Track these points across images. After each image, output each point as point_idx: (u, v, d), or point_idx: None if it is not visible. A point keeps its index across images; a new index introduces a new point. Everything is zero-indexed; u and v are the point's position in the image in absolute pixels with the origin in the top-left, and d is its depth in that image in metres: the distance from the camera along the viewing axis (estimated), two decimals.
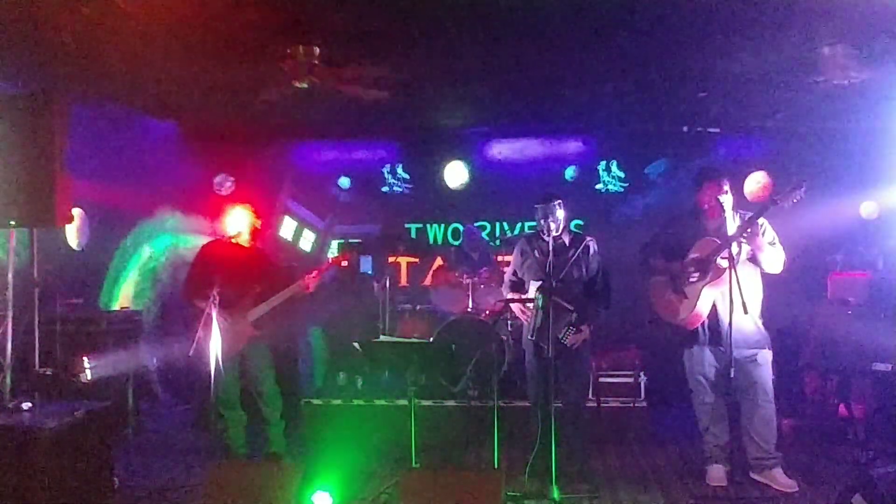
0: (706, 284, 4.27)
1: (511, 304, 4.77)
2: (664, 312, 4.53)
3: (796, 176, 4.58)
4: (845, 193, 6.44)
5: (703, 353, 4.46)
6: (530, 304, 4.56)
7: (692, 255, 4.36)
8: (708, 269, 4.25)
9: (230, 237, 4.91)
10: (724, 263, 4.05)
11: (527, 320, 4.62)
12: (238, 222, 4.92)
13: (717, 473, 4.46)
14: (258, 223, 5.01)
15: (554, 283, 4.33)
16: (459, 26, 4.71)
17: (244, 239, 4.95)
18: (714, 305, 4.34)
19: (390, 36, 4.87)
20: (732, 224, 4.32)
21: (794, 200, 4.04)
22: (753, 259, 4.31)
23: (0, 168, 4.36)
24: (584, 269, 4.56)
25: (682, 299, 4.39)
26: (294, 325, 6.14)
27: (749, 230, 4.16)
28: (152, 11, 4.36)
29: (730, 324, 4.00)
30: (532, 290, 4.62)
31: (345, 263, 5.17)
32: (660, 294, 4.55)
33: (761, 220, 4.22)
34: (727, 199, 4.33)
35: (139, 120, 7.00)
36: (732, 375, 4.06)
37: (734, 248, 4.12)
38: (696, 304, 4.31)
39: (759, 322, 4.38)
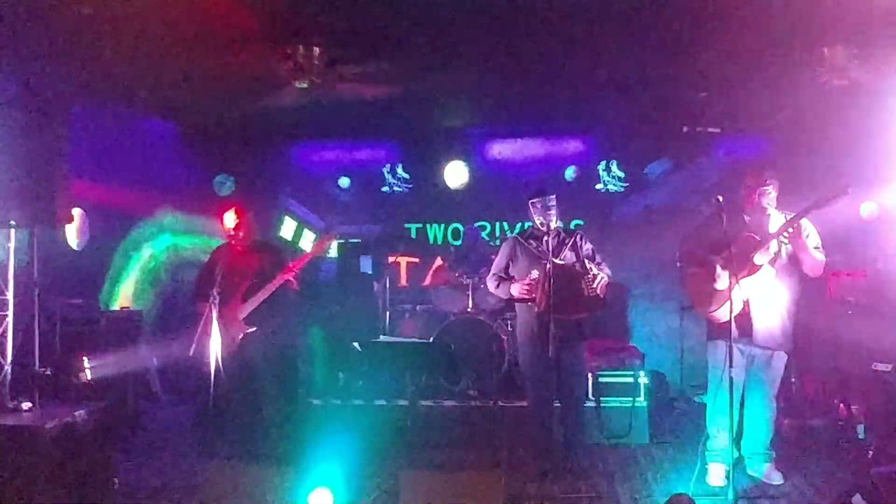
0: (740, 279, 4.24)
1: (512, 291, 4.72)
2: (697, 304, 4.55)
3: (805, 177, 4.57)
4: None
5: (727, 348, 4.46)
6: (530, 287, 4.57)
7: (730, 250, 4.36)
8: (743, 266, 4.23)
9: (229, 240, 5.02)
10: (760, 260, 4.08)
11: (531, 296, 4.58)
12: (227, 224, 4.98)
13: (717, 473, 4.47)
14: (236, 220, 4.95)
15: (557, 260, 4.44)
16: (460, 26, 4.71)
17: (239, 239, 4.99)
18: (747, 302, 4.32)
19: (390, 35, 4.87)
20: (775, 222, 4.31)
21: (837, 203, 4.02)
22: (794, 260, 4.32)
23: (0, 168, 4.37)
24: (580, 254, 4.65)
25: (716, 292, 4.37)
26: (286, 319, 6.10)
27: (790, 230, 4.16)
28: (152, 11, 4.36)
29: (755, 320, 3.99)
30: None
31: (330, 252, 5.07)
32: (695, 286, 4.55)
33: (804, 222, 4.21)
34: (769, 196, 4.34)
35: (139, 120, 7.01)
36: (746, 370, 4.06)
37: (774, 245, 4.15)
38: (729, 299, 4.25)
39: (788, 323, 4.39)
